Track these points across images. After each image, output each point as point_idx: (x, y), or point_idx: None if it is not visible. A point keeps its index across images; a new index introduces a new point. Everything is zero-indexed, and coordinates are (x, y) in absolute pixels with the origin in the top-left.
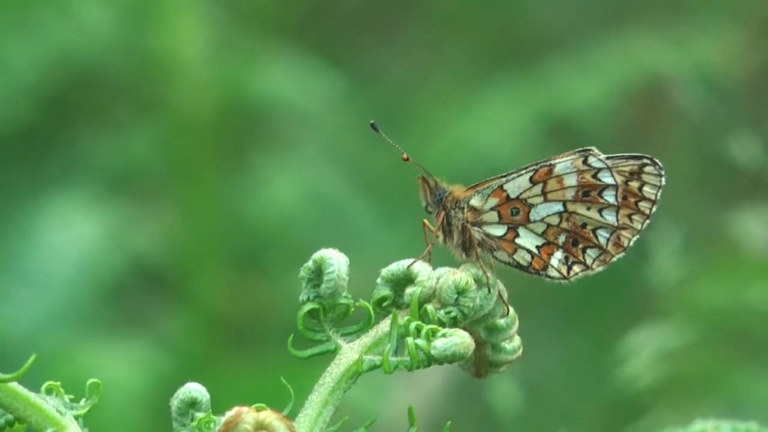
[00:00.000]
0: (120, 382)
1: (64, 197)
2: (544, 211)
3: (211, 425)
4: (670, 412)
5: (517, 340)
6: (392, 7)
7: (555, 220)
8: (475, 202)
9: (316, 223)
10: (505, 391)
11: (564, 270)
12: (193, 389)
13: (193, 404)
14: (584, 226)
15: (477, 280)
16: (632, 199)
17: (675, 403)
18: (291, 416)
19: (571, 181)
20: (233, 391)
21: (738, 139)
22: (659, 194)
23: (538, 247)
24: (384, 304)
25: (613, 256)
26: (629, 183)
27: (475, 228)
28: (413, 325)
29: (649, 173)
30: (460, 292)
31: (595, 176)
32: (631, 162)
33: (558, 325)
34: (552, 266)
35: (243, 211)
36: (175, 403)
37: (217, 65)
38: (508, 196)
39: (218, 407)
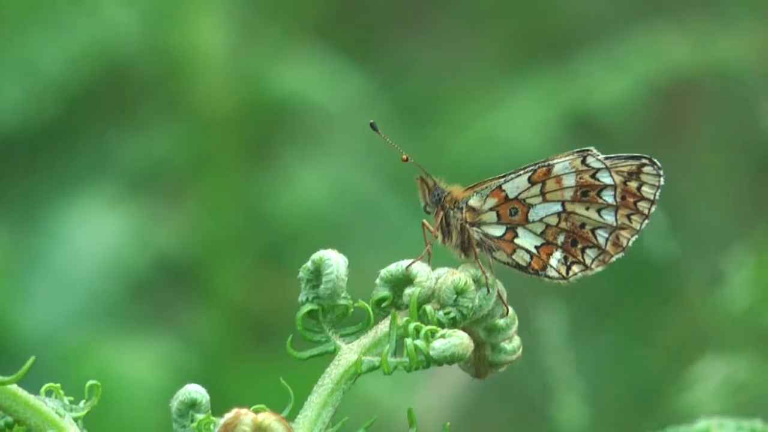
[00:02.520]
0: (142, 379)
1: (88, 194)
2: (543, 211)
3: (211, 427)
4: None
5: (516, 341)
6: (424, 2)
7: (554, 220)
8: (473, 202)
9: (344, 219)
10: (571, 401)
11: (563, 270)
12: (193, 390)
13: (192, 405)
14: (583, 226)
15: (476, 281)
16: (631, 199)
17: None
18: (290, 417)
19: (569, 181)
20: (255, 387)
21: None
22: (658, 194)
23: (537, 247)
24: (383, 305)
25: (612, 256)
26: (628, 183)
27: (474, 228)
28: (412, 325)
29: (647, 173)
30: (459, 292)
31: (593, 176)
32: (630, 162)
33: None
34: (551, 266)
35: (266, 207)
36: (174, 404)
37: (241, 62)
38: (506, 196)
39: (241, 403)
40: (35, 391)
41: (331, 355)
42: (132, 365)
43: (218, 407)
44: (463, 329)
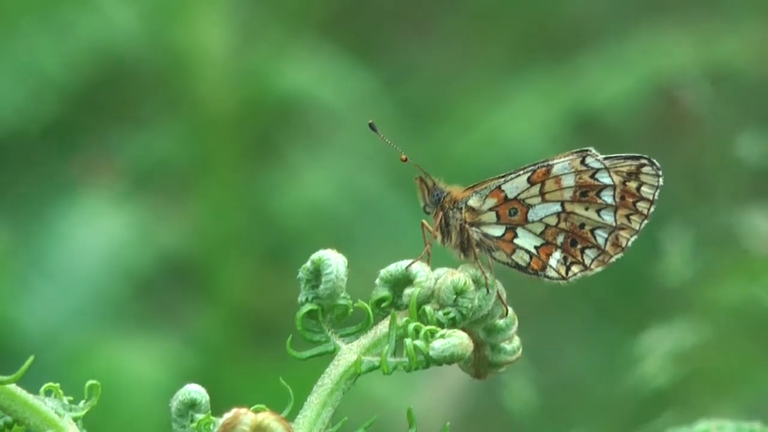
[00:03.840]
0: (146, 377)
1: (91, 193)
2: (542, 211)
3: (210, 427)
4: (688, 410)
5: (516, 341)
6: (428, 3)
7: (553, 221)
8: (473, 202)
9: (348, 218)
10: (521, 388)
11: (562, 270)
12: (193, 390)
13: (192, 405)
14: (582, 226)
15: (475, 281)
16: (630, 200)
17: (693, 401)
18: (291, 417)
19: (569, 181)
20: (258, 386)
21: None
22: (657, 194)
23: (536, 248)
24: (383, 305)
25: (611, 256)
26: (627, 183)
27: (474, 228)
28: (412, 326)
29: (646, 173)
30: (459, 292)
31: (593, 176)
32: (629, 162)
33: (576, 324)
34: (550, 266)
35: (269, 206)
36: (174, 404)
37: (243, 61)
38: (506, 196)
39: (245, 402)
40: (39, 391)
41: (331, 355)
42: (135, 364)
43: (221, 407)
44: (463, 329)
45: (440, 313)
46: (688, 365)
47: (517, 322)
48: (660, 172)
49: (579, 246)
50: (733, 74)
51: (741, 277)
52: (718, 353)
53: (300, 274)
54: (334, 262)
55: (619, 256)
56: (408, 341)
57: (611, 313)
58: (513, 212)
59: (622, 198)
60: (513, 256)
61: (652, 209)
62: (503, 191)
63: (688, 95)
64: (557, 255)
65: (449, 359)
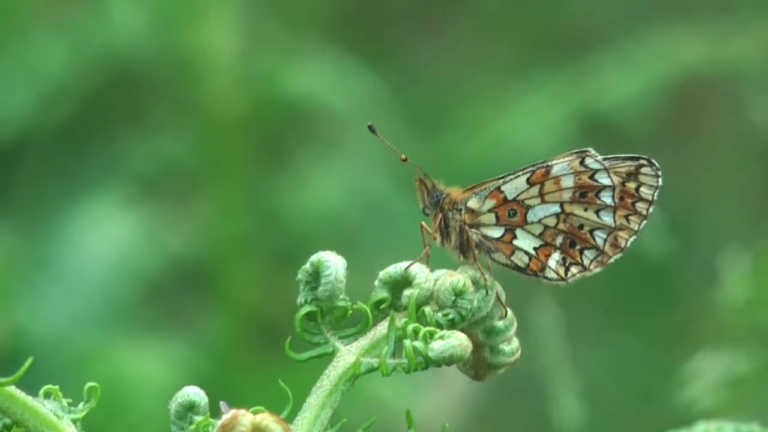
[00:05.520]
0: (154, 380)
1: (100, 197)
2: (542, 212)
3: (209, 428)
4: None
5: (515, 342)
6: (438, 4)
7: (552, 222)
8: (472, 203)
9: (356, 221)
10: (568, 401)
11: (561, 271)
12: (191, 393)
13: (191, 408)
14: (581, 227)
15: (475, 282)
16: (629, 200)
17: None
18: (290, 419)
19: (568, 182)
20: (266, 389)
21: None
22: (656, 195)
23: (535, 249)
24: (382, 307)
25: (610, 257)
26: (626, 184)
27: (473, 230)
28: (411, 327)
29: (646, 174)
30: (458, 294)
31: (592, 177)
32: (628, 163)
33: (610, 330)
34: (550, 268)
35: (278, 210)
36: (173, 406)
37: (252, 64)
38: (505, 197)
39: (253, 404)
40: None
41: (331, 356)
42: (143, 367)
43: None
44: (462, 331)
45: (439, 314)
46: (733, 393)
47: (516, 324)
48: (659, 173)
49: (578, 247)
50: (744, 74)
51: None
52: (762, 381)
53: (299, 276)
54: (333, 263)
55: (618, 256)
56: (407, 342)
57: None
58: (512, 213)
59: (621, 199)
60: (512, 258)
61: (651, 210)
62: (502, 192)
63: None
64: (556, 256)
65: (448, 360)
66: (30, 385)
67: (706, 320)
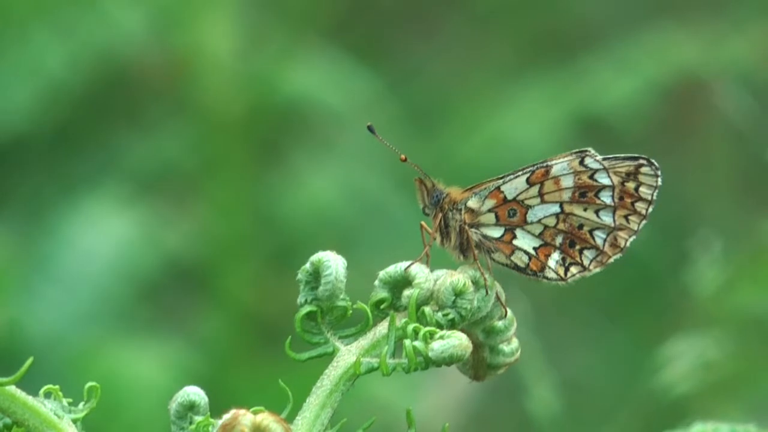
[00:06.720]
0: (151, 381)
1: (96, 197)
2: (541, 212)
3: (209, 428)
4: (706, 418)
5: (515, 342)
6: (434, 4)
7: (552, 222)
8: (472, 203)
9: (353, 221)
10: (542, 391)
11: (561, 271)
12: (192, 393)
13: (191, 407)
14: (581, 227)
15: (474, 282)
16: (629, 200)
17: (712, 410)
18: (290, 419)
19: (567, 182)
20: (264, 388)
21: None
22: (655, 195)
23: (535, 249)
24: (382, 307)
25: (610, 256)
26: (626, 184)
27: (473, 229)
28: (411, 327)
29: (645, 174)
30: (458, 294)
31: (591, 177)
32: (628, 163)
33: (595, 324)
34: (549, 267)
35: (275, 209)
36: (173, 406)
37: (249, 64)
38: (505, 197)
39: (250, 405)
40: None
41: (331, 356)
42: (140, 367)
43: (227, 409)
44: (462, 331)
45: (439, 314)
46: (709, 375)
47: (515, 324)
48: (659, 173)
49: (577, 247)
50: (741, 75)
51: (765, 286)
52: (738, 363)
53: (299, 276)
54: (333, 263)
55: (617, 256)
56: (407, 342)
57: (627, 320)
58: (512, 213)
59: (621, 198)
60: (512, 257)
61: (650, 209)
62: (502, 192)
63: (700, 94)
64: (556, 256)
65: (448, 360)
66: (26, 385)
67: (683, 306)
